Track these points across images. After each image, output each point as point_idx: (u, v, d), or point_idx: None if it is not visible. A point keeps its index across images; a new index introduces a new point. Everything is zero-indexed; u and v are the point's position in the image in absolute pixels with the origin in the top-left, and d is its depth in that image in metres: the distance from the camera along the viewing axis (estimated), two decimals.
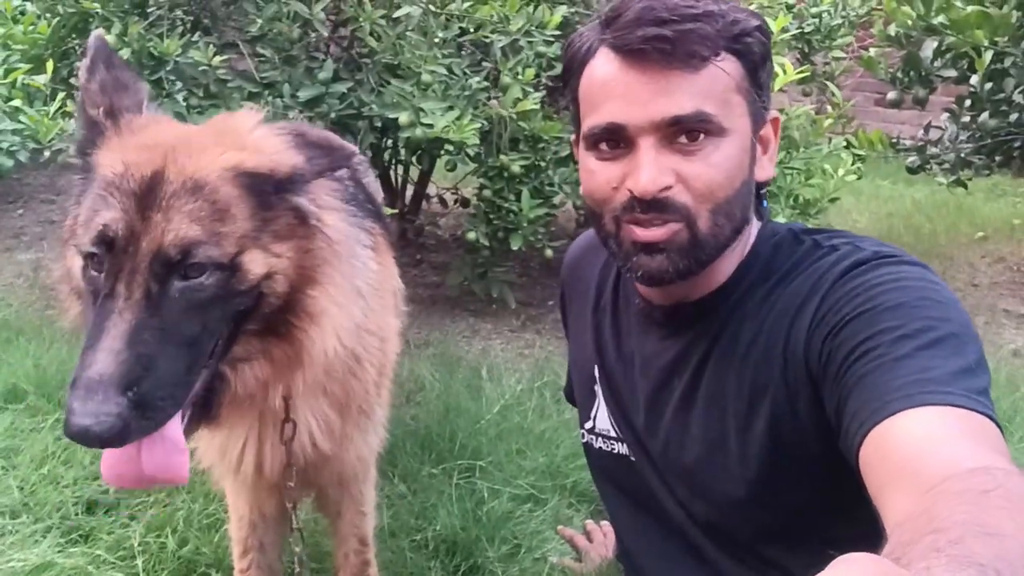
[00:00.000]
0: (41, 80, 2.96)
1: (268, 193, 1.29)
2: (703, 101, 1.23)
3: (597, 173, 1.32)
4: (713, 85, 1.24)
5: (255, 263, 1.26)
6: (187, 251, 1.20)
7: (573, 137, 1.47)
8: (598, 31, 1.31)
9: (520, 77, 3.21)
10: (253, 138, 1.34)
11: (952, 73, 4.34)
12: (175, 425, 1.24)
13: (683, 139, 1.24)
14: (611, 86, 1.27)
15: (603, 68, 1.29)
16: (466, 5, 3.15)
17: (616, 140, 1.28)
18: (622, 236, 1.31)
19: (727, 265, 1.37)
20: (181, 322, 1.20)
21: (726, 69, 1.25)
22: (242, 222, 1.26)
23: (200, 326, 1.23)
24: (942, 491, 0.84)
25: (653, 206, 1.25)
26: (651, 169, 1.23)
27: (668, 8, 1.22)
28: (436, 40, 3.14)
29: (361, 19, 3.15)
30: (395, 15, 3.16)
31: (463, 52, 3.38)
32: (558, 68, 3.37)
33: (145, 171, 1.24)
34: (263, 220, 1.28)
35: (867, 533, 0.89)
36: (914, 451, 0.96)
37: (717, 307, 1.39)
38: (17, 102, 2.87)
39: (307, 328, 1.34)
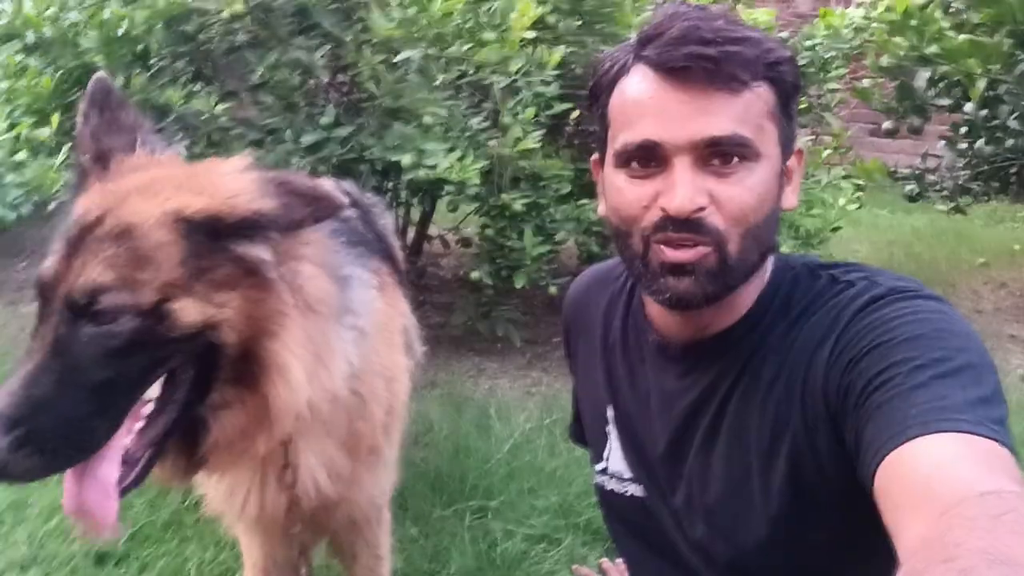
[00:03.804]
0: (45, 133, 2.98)
1: (208, 240, 1.24)
2: (740, 125, 1.22)
3: (626, 191, 1.29)
4: (749, 110, 1.23)
5: (186, 311, 1.22)
6: (93, 297, 1.19)
7: (595, 157, 1.45)
8: (633, 49, 1.29)
9: (520, 117, 3.23)
10: (219, 182, 1.29)
11: (946, 101, 4.39)
12: (107, 469, 1.23)
13: (717, 161, 1.23)
14: (647, 103, 1.25)
15: (638, 85, 1.27)
16: (465, 48, 3.18)
17: (649, 158, 1.26)
18: (650, 257, 1.29)
19: (747, 296, 1.35)
20: (90, 367, 1.19)
21: (761, 95, 1.24)
22: (168, 269, 1.22)
23: (115, 372, 1.20)
24: (955, 516, 0.84)
25: (686, 226, 1.23)
26: (687, 188, 1.22)
27: (712, 30, 1.21)
28: (436, 83, 3.17)
29: (360, 64, 3.18)
30: (395, 60, 3.19)
31: (463, 94, 3.41)
32: (557, 107, 3.41)
33: (91, 216, 1.24)
34: (198, 268, 1.24)
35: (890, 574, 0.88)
36: (928, 476, 0.96)
37: (738, 341, 1.37)
38: (22, 155, 2.88)
39: (272, 381, 1.30)
